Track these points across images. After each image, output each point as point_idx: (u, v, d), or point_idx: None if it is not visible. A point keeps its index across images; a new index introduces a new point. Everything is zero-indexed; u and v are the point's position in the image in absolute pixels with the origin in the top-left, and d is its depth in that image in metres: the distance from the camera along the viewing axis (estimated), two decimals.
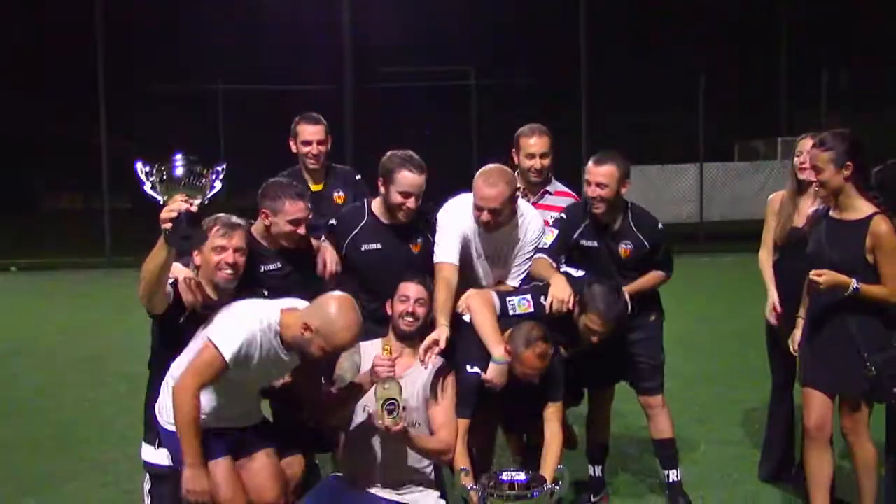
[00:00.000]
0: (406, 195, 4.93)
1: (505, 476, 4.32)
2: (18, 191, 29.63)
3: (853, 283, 4.43)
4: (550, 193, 5.60)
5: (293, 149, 5.91)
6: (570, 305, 4.80)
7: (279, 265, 4.91)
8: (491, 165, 5.00)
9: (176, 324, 4.38)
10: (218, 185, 4.07)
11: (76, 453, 6.69)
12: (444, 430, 4.62)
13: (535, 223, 5.16)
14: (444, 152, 20.93)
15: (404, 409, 4.33)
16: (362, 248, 5.08)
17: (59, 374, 9.40)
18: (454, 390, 4.70)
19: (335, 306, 4.12)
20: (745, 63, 27.59)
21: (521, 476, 4.33)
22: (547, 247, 5.19)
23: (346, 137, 19.56)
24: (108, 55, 19.55)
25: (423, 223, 5.16)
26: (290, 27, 24.39)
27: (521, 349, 4.54)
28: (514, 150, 5.61)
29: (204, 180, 4.01)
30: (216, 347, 4.04)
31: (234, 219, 4.52)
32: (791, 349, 5.11)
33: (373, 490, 4.59)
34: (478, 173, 4.93)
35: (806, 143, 5.39)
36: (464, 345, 4.77)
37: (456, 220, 5.01)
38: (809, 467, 4.81)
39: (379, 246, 5.07)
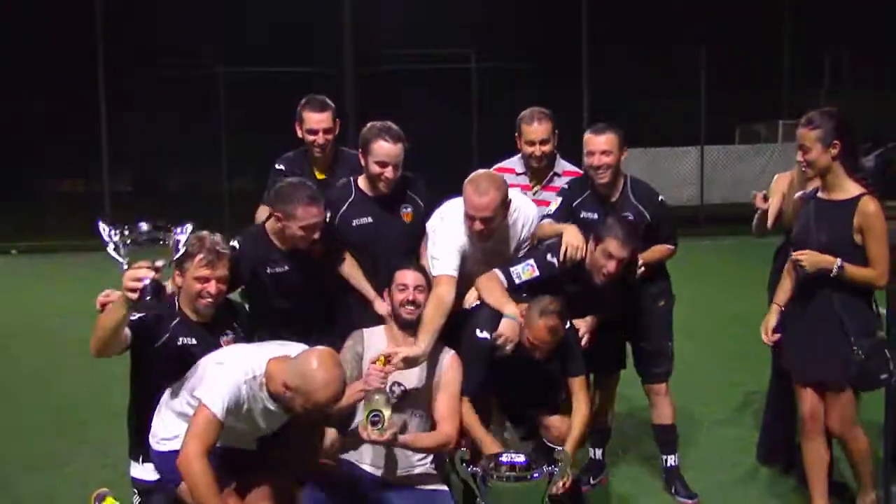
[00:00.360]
0: (383, 165, 4.91)
1: (505, 458, 4.31)
2: (19, 174, 29.60)
3: (837, 262, 4.37)
4: (558, 175, 5.56)
5: (298, 134, 5.60)
6: (584, 253, 4.83)
7: (287, 268, 4.85)
8: (479, 173, 4.94)
9: (146, 352, 4.31)
10: (182, 248, 3.99)
11: (76, 435, 6.73)
12: (447, 422, 4.62)
13: (527, 212, 5.09)
14: (445, 136, 20.96)
15: (405, 412, 4.35)
16: (353, 224, 5.05)
17: (60, 355, 9.41)
18: (459, 384, 4.70)
19: (314, 364, 3.89)
20: (747, 45, 27.47)
21: (521, 458, 4.33)
22: (551, 213, 5.22)
23: (348, 120, 19.51)
24: (108, 37, 19.50)
25: (411, 191, 5.17)
26: (291, 9, 24.28)
27: (534, 316, 4.55)
28: (516, 134, 5.58)
29: (168, 243, 3.93)
30: (208, 407, 3.89)
31: (220, 245, 4.36)
32: (763, 338, 4.96)
33: (378, 474, 4.61)
34: (466, 182, 4.81)
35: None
36: (473, 319, 4.80)
37: (453, 228, 4.90)
38: (805, 455, 4.81)
39: (370, 219, 5.05)
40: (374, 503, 4.55)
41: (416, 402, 4.63)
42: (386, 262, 4.91)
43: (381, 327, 4.75)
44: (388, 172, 4.93)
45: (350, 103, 20.02)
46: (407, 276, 4.66)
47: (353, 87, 20.47)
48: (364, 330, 4.70)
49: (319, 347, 4.04)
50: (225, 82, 22.16)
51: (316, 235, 4.71)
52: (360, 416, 4.36)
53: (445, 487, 4.64)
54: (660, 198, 5.33)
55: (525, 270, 4.91)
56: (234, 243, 4.71)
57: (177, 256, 3.97)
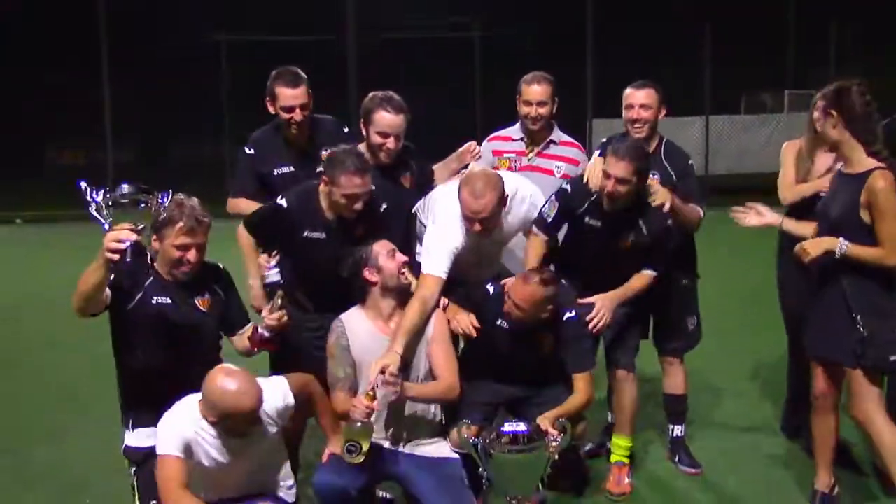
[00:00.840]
0: (384, 135, 4.89)
1: (507, 428, 4.34)
2: (22, 144, 29.63)
3: (840, 243, 4.27)
4: (555, 143, 5.52)
5: (271, 110, 5.24)
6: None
7: (324, 235, 4.79)
8: (474, 172, 4.85)
9: (122, 313, 4.30)
10: (164, 212, 4.01)
11: (83, 406, 6.75)
12: (446, 372, 4.62)
13: (527, 199, 5.03)
14: (447, 106, 20.90)
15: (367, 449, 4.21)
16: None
17: (66, 325, 9.33)
18: (448, 334, 4.72)
19: (218, 383, 3.92)
20: (753, 14, 27.30)
21: (523, 428, 4.34)
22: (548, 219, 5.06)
23: (350, 89, 19.49)
24: (110, 7, 19.47)
25: (409, 158, 5.16)
26: None
27: (521, 280, 4.59)
28: (517, 96, 5.55)
29: (151, 206, 3.91)
30: (161, 455, 3.97)
31: (199, 211, 4.26)
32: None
33: (386, 445, 4.61)
34: (462, 183, 4.74)
35: None
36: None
37: (448, 228, 4.79)
38: (813, 430, 4.78)
39: (372, 188, 4.96)
40: (387, 471, 4.58)
41: (418, 368, 4.63)
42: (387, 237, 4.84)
43: (356, 309, 4.67)
44: (390, 143, 4.91)
45: (352, 72, 19.95)
46: (389, 244, 4.62)
47: (356, 55, 20.37)
48: (341, 318, 4.62)
49: (217, 367, 4.05)
50: (227, 51, 22.10)
51: (358, 206, 4.61)
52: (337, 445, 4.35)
53: (456, 455, 4.64)
54: (689, 161, 5.35)
55: (550, 207, 4.97)
56: (283, 201, 4.72)
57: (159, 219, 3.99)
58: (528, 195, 5.03)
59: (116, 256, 3.74)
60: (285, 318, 4.31)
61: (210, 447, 4.04)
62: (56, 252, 15.23)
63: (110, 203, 3.85)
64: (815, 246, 4.34)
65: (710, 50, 20.50)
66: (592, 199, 4.93)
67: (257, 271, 4.88)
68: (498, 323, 4.77)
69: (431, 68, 24.16)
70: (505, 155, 5.53)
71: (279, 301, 4.30)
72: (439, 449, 4.67)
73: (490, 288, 4.84)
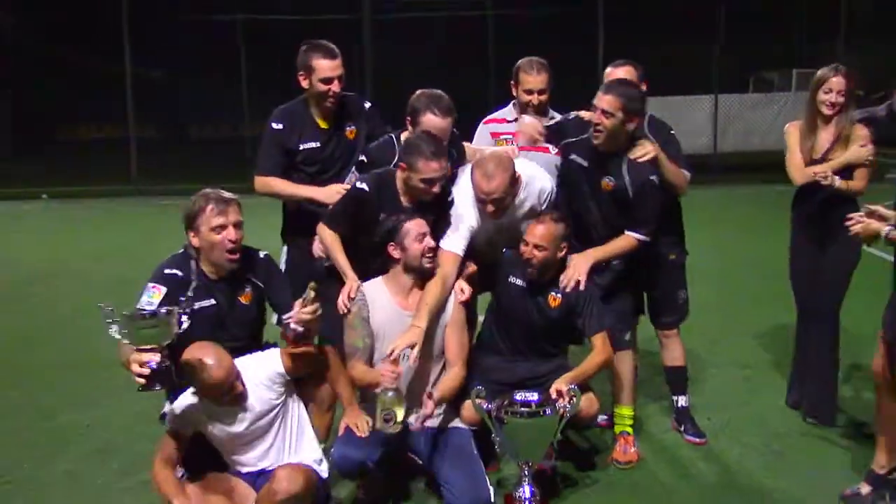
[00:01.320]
0: None
1: (518, 395, 4.50)
2: (47, 122, 29.76)
3: (884, 228, 4.23)
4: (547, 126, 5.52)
5: (304, 83, 5.21)
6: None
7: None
8: (486, 155, 4.96)
9: None
10: (185, 323, 4.05)
11: (112, 371, 6.82)
12: (458, 361, 4.75)
13: (540, 183, 5.10)
14: (461, 84, 20.86)
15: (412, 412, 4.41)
16: None
17: (94, 297, 9.52)
18: (464, 322, 4.84)
19: (193, 359, 4.00)
20: None
21: (534, 395, 4.51)
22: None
23: (366, 66, 19.56)
24: None
25: (450, 150, 5.13)
26: None
27: (532, 224, 4.81)
28: (512, 81, 5.61)
29: (171, 319, 3.97)
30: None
31: (225, 193, 4.40)
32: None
33: None
34: (474, 166, 4.86)
35: (838, 81, 5.43)
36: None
37: (464, 209, 4.90)
38: (879, 411, 4.70)
39: None
40: (400, 443, 4.67)
41: (432, 346, 4.72)
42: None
43: (379, 280, 4.75)
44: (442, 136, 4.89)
45: (368, 51, 19.98)
46: (423, 225, 4.67)
47: (370, 33, 20.39)
48: (362, 288, 4.71)
49: (193, 344, 4.09)
50: (244, 29, 22.18)
51: (436, 189, 4.68)
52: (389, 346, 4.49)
53: (464, 425, 4.77)
54: (671, 131, 5.38)
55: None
56: (364, 185, 4.78)
57: (180, 330, 4.04)
58: (539, 178, 5.12)
59: (143, 381, 3.89)
60: (319, 310, 4.21)
61: (216, 420, 4.19)
62: (82, 226, 15.50)
63: (132, 325, 3.91)
64: (865, 229, 4.32)
65: (721, 27, 20.46)
66: (584, 137, 5.11)
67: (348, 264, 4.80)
68: (510, 280, 4.95)
69: (446, 47, 24.16)
70: (502, 136, 5.63)
71: (312, 294, 4.20)
72: (447, 419, 4.79)
73: (504, 251, 5.01)
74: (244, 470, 4.32)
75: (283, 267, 5.22)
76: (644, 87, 5.25)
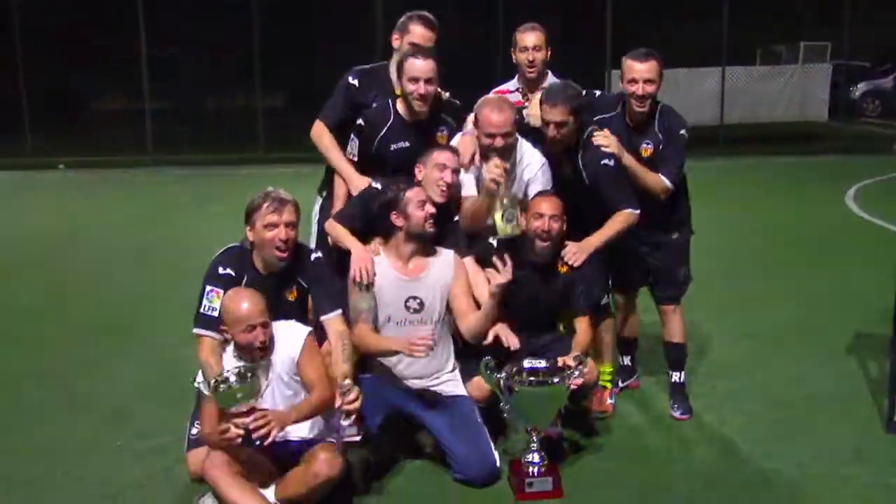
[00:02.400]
0: (415, 80, 4.99)
1: (527, 363, 4.56)
2: (65, 92, 29.70)
3: None
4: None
5: (395, 44, 5.36)
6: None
7: (408, 144, 5.08)
8: (489, 96, 5.11)
9: None
10: (265, 380, 4.19)
11: (127, 337, 7.05)
12: (468, 317, 4.81)
13: (532, 156, 5.18)
14: (469, 59, 20.80)
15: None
16: (392, 148, 5.16)
17: (110, 265, 9.82)
18: (467, 279, 4.88)
19: (226, 301, 4.27)
20: None
21: (543, 363, 4.57)
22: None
23: (377, 33, 19.51)
24: None
25: (445, 113, 5.29)
26: None
27: (540, 198, 4.91)
28: (512, 48, 5.70)
29: (253, 379, 4.08)
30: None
31: (284, 193, 4.52)
32: None
33: (401, 382, 4.80)
34: (479, 105, 5.00)
35: None
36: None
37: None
38: None
39: (407, 144, 5.14)
40: (402, 409, 4.79)
41: (433, 310, 4.80)
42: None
43: (380, 257, 4.81)
44: (421, 88, 4.99)
45: (379, 17, 19.90)
46: (423, 193, 4.74)
47: (382, 9, 20.30)
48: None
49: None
50: (258, 2, 22.12)
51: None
52: (397, 312, 4.70)
53: (466, 394, 4.83)
54: (682, 131, 5.28)
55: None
56: (378, 185, 4.92)
57: (263, 389, 4.17)
58: (534, 154, 5.18)
59: (239, 441, 4.00)
60: (360, 398, 4.28)
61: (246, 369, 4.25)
62: (98, 196, 15.56)
63: (219, 388, 4.03)
64: None
65: (729, 1, 20.36)
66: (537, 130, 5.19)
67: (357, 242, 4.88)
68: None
69: (454, 19, 24.00)
70: None
71: (349, 382, 4.27)
72: (452, 387, 4.85)
73: (494, 242, 5.00)
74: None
75: (315, 218, 5.46)
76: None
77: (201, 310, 4.37)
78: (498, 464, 4.58)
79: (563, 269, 4.98)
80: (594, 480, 4.59)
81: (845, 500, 4.36)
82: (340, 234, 4.89)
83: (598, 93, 5.47)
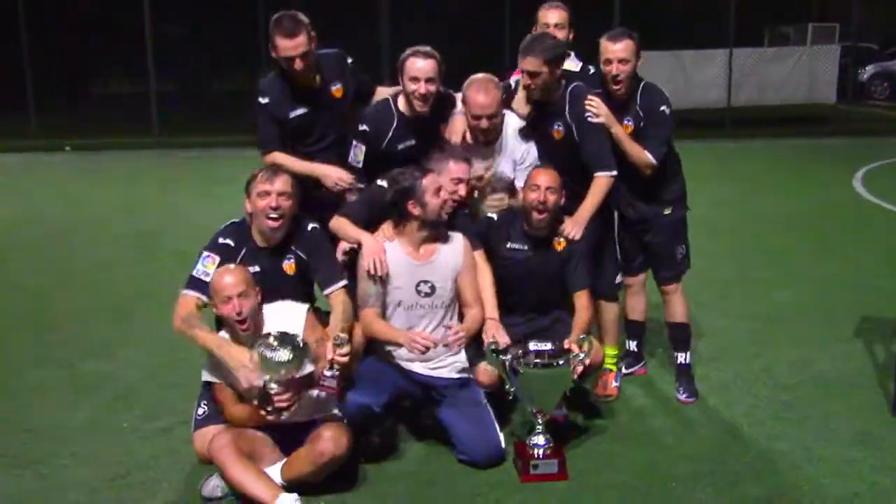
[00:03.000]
0: (415, 80, 4.99)
1: (533, 346, 4.58)
2: (70, 74, 29.72)
3: None
4: (567, 70, 5.46)
5: (273, 55, 5.10)
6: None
7: (414, 142, 5.09)
8: (476, 76, 5.07)
9: None
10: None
11: (131, 322, 7.06)
12: (475, 304, 4.84)
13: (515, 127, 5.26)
14: (476, 40, 20.77)
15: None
16: (399, 148, 5.15)
17: (114, 248, 9.82)
18: (475, 267, 4.90)
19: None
20: None
21: (548, 346, 4.58)
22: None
23: (382, 24, 19.50)
24: None
25: (446, 114, 5.28)
26: None
27: (537, 171, 4.94)
28: (534, 26, 5.61)
29: (305, 352, 4.23)
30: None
31: (277, 168, 4.63)
32: None
33: (406, 365, 4.79)
34: (466, 85, 5.03)
35: None
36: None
37: None
38: None
39: (413, 142, 5.15)
40: (408, 391, 4.80)
41: (444, 294, 4.80)
42: None
43: (392, 243, 4.80)
44: (422, 87, 4.98)
45: (385, 5, 19.86)
46: (437, 180, 4.72)
47: None
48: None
49: None
50: None
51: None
52: (407, 297, 4.74)
53: (471, 376, 4.84)
54: (662, 108, 5.22)
55: (569, 63, 5.30)
56: (383, 183, 4.89)
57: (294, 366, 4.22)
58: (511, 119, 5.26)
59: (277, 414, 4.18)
60: (349, 352, 4.34)
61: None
62: (104, 178, 15.54)
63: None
64: None
65: None
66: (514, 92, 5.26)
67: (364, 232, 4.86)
68: (508, 246, 5.01)
69: (461, 9, 24.03)
70: None
71: (344, 336, 4.34)
72: (456, 367, 4.84)
73: (493, 216, 5.06)
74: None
75: None
76: (642, 61, 5.23)
77: (193, 272, 4.50)
78: (503, 445, 4.59)
79: (560, 246, 4.99)
80: (599, 463, 4.60)
81: (851, 483, 4.35)
82: (348, 228, 4.86)
83: (592, 69, 5.40)
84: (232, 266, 4.41)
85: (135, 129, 20.12)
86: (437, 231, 4.80)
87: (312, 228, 4.74)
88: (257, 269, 4.54)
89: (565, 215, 5.06)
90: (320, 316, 4.67)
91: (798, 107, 21.51)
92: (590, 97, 5.07)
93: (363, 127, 5.18)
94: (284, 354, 4.12)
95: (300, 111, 5.22)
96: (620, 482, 4.40)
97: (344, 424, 4.33)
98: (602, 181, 5.06)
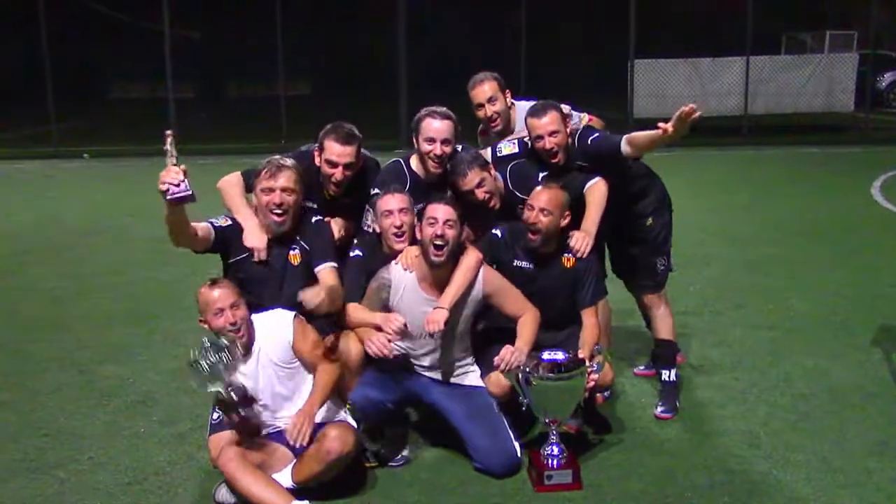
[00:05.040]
0: (430, 141, 5.00)
1: (546, 356, 4.54)
2: (89, 81, 29.96)
3: None
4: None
5: (316, 161, 4.98)
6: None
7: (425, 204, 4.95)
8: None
9: (226, 262, 4.73)
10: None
11: (148, 326, 7.10)
12: (522, 308, 4.79)
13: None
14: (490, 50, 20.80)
15: None
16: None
17: (131, 253, 9.92)
18: (501, 285, 4.82)
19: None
20: None
21: (561, 356, 4.54)
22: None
23: (399, 32, 19.56)
24: None
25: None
26: None
27: (538, 191, 4.87)
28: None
29: (229, 348, 4.21)
30: None
31: (285, 160, 4.67)
32: None
33: (423, 373, 4.82)
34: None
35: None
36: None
37: None
38: None
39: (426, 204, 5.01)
40: (420, 397, 4.81)
41: (454, 327, 4.72)
42: None
43: (409, 274, 4.74)
44: (437, 149, 4.99)
45: (401, 13, 19.91)
46: (437, 210, 4.62)
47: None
48: (389, 271, 4.76)
49: None
50: None
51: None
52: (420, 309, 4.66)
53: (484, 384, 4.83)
54: (589, 140, 5.11)
55: (507, 147, 5.29)
56: (358, 252, 4.97)
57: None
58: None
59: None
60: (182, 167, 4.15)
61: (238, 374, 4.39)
62: (122, 185, 15.68)
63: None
64: None
65: None
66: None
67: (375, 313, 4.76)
68: (516, 264, 4.96)
69: (477, 11, 24.11)
70: None
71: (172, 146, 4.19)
72: (470, 378, 4.86)
73: (497, 232, 4.99)
74: (277, 426, 4.47)
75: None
76: (570, 126, 5.17)
77: (209, 218, 4.64)
78: (519, 455, 4.59)
79: (570, 263, 4.95)
80: (614, 472, 4.59)
81: (869, 493, 4.33)
82: (361, 315, 4.75)
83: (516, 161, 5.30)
84: (218, 281, 4.44)
85: (153, 136, 20.18)
86: (444, 268, 4.67)
87: (317, 221, 4.84)
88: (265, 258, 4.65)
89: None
90: (309, 323, 4.60)
91: (816, 115, 21.46)
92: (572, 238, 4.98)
93: (375, 190, 5.06)
94: (211, 358, 4.16)
95: (310, 204, 5.04)
96: (636, 491, 4.39)
97: (349, 424, 4.41)
98: (594, 190, 5.05)
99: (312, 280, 4.65)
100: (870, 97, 21.66)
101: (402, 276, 4.73)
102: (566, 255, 4.95)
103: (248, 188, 4.85)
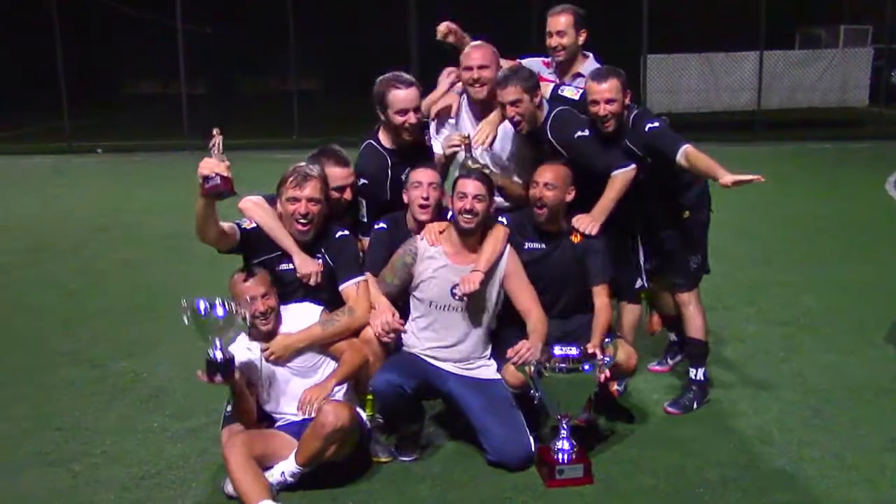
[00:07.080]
0: (403, 112, 5.01)
1: (558, 350, 4.56)
2: (102, 77, 30.06)
3: None
4: (583, 76, 5.49)
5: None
6: None
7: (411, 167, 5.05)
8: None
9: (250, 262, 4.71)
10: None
11: (163, 320, 7.08)
12: (535, 309, 4.83)
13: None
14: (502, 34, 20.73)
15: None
16: (403, 177, 5.10)
17: (145, 248, 9.97)
18: (522, 269, 4.89)
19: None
20: None
21: (574, 350, 4.55)
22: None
23: (410, 29, 19.56)
24: None
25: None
26: None
27: (542, 167, 4.96)
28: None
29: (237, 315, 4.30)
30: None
31: (311, 168, 4.67)
32: None
33: (439, 364, 4.83)
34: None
35: None
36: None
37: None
38: None
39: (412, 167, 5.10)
40: (438, 387, 4.81)
41: (481, 300, 4.81)
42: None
43: (436, 247, 4.82)
44: (411, 118, 5.02)
45: (412, 8, 19.93)
46: (467, 185, 4.72)
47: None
48: (419, 245, 4.84)
49: None
50: None
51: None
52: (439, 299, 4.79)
53: (500, 377, 4.85)
54: (646, 127, 5.06)
55: (570, 90, 5.33)
56: (383, 224, 5.05)
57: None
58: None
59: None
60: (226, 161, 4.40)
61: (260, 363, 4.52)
62: (135, 180, 15.74)
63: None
64: None
65: None
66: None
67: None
68: (526, 247, 4.99)
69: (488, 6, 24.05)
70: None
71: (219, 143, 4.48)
72: (487, 371, 4.88)
73: (504, 220, 5.00)
74: (289, 419, 4.53)
75: None
76: (629, 97, 5.15)
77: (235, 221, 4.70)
78: (533, 448, 4.60)
79: (577, 239, 4.98)
80: (627, 468, 4.59)
81: (882, 490, 4.32)
82: (373, 291, 4.85)
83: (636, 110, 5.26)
84: (253, 269, 4.55)
85: (165, 132, 20.28)
86: (470, 237, 4.79)
87: (341, 235, 4.83)
88: (290, 266, 4.68)
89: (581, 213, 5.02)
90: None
91: (830, 110, 21.37)
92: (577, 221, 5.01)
93: (363, 181, 5.11)
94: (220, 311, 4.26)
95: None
96: (648, 487, 4.39)
97: (347, 402, 4.45)
98: (619, 178, 5.03)
99: (333, 290, 4.74)
100: (884, 92, 21.54)
101: (429, 247, 4.82)
102: (574, 231, 4.99)
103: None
